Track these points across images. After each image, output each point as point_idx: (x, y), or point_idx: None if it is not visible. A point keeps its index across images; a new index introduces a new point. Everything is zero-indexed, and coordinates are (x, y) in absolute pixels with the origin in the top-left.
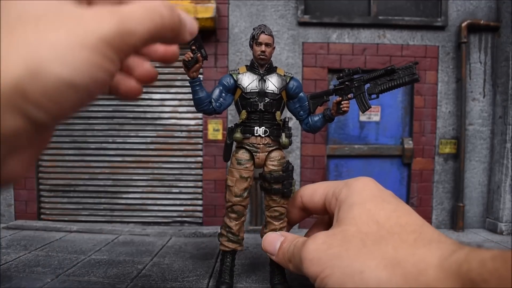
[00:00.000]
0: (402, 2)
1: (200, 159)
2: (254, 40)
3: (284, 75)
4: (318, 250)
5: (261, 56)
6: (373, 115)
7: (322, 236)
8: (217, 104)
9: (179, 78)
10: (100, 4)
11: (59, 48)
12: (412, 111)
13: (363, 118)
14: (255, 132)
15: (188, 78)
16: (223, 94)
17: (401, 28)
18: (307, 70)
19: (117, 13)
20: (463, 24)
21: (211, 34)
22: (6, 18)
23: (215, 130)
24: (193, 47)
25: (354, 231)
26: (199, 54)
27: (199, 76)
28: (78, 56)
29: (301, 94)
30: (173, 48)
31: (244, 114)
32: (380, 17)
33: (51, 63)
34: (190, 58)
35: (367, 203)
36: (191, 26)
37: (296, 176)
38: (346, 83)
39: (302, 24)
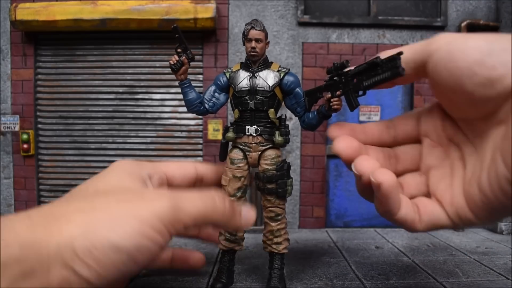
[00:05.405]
0: (402, 2)
1: (200, 159)
2: (244, 37)
3: (278, 71)
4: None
5: (251, 53)
6: (373, 115)
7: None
8: (210, 104)
9: None
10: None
11: (115, 217)
12: None
13: (363, 118)
14: (247, 131)
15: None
16: (216, 94)
17: (401, 28)
18: (307, 70)
19: (174, 193)
20: (463, 24)
21: (211, 34)
22: (85, 192)
23: (215, 130)
24: (179, 50)
25: None
26: (184, 57)
27: (199, 76)
28: (129, 226)
29: (297, 89)
30: (201, 259)
31: (236, 113)
32: (380, 17)
33: (103, 227)
34: (175, 62)
35: None
36: (246, 216)
37: (296, 176)
38: (335, 78)
39: (302, 24)
